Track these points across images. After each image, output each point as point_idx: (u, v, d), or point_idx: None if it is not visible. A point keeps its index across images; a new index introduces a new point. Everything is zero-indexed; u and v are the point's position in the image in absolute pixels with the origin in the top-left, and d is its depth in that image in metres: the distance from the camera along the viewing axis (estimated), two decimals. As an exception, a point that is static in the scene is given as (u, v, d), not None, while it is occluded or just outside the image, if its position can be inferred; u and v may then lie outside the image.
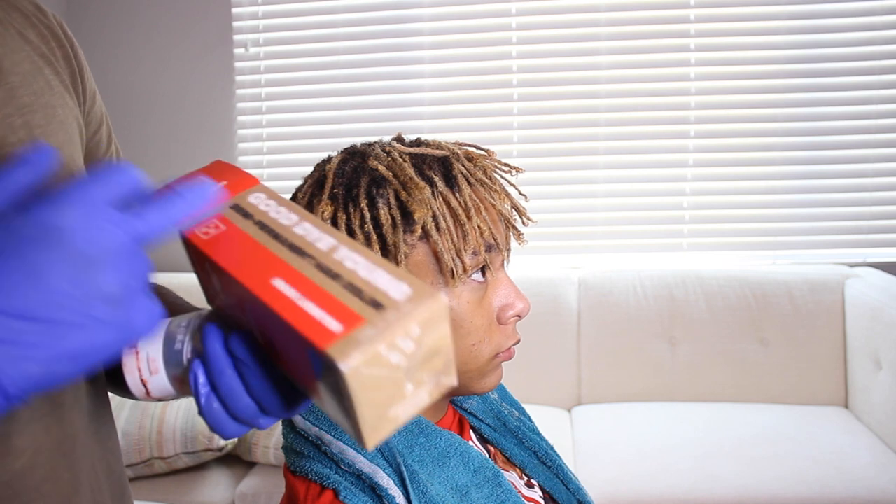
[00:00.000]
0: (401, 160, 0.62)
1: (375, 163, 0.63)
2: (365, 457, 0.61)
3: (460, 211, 0.61)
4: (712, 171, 2.32)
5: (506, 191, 0.67)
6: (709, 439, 1.87)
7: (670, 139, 2.32)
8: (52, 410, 0.56)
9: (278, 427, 1.87)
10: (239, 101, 2.48)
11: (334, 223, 0.62)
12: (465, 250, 0.61)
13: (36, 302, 0.34)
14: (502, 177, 0.69)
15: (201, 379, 0.44)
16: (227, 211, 0.45)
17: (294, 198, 0.67)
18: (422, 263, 0.62)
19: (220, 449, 1.92)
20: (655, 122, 2.31)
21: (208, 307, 0.50)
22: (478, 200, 0.63)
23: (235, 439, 1.96)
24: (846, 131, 2.25)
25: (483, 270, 0.64)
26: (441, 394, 0.38)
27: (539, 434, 0.82)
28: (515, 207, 0.68)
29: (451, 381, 0.38)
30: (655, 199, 2.35)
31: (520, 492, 0.72)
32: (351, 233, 0.61)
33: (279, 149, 2.50)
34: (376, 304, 0.35)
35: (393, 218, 0.60)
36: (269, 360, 0.42)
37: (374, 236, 0.60)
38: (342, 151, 0.67)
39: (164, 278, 2.19)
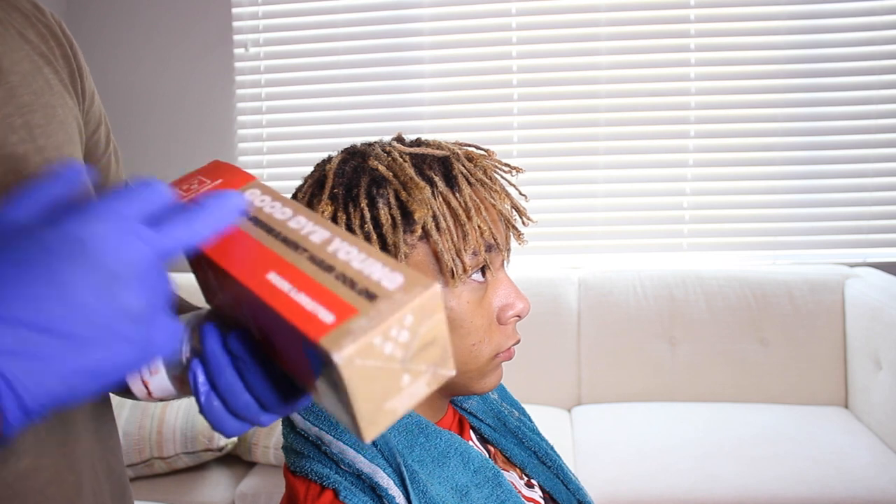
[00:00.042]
0: (401, 160, 0.62)
1: (375, 163, 0.63)
2: (365, 457, 0.61)
3: (460, 211, 0.61)
4: (712, 171, 2.32)
5: (506, 191, 0.67)
6: (709, 439, 1.87)
7: (670, 139, 2.32)
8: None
9: (278, 427, 1.87)
10: (239, 101, 2.48)
11: (334, 223, 0.62)
12: (465, 250, 0.61)
13: (59, 315, 0.33)
14: (502, 177, 0.69)
15: (201, 378, 0.44)
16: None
17: (294, 198, 0.67)
18: (422, 263, 0.62)
19: (220, 449, 1.92)
20: (655, 122, 2.31)
21: (207, 307, 0.51)
22: (478, 200, 0.63)
23: (235, 439, 1.96)
24: (846, 131, 2.25)
25: (483, 270, 0.64)
26: (439, 384, 0.38)
27: (539, 434, 0.82)
28: (515, 207, 0.68)
29: (449, 371, 0.38)
30: (655, 199, 2.35)
31: (520, 492, 0.72)
32: (351, 232, 0.61)
33: (279, 149, 2.50)
34: (369, 295, 0.35)
35: (393, 218, 0.60)
36: (267, 358, 0.42)
37: (374, 236, 0.60)
38: (342, 151, 0.67)
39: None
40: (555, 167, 2.36)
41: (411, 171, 0.61)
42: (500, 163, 0.69)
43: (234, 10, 2.43)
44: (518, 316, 0.66)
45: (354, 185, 0.62)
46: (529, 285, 2.18)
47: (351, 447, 0.62)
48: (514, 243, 0.69)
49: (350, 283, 0.36)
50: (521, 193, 0.71)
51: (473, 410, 0.78)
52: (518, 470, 0.77)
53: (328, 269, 0.38)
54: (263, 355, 0.42)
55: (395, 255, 0.60)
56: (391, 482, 0.60)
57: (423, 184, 0.61)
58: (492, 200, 0.64)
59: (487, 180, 0.65)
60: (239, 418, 0.44)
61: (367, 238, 0.60)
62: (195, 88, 2.49)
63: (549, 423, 2.05)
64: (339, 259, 0.38)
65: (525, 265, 2.34)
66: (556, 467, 0.79)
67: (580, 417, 2.11)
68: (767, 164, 2.30)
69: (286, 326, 0.36)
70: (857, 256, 2.30)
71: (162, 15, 2.47)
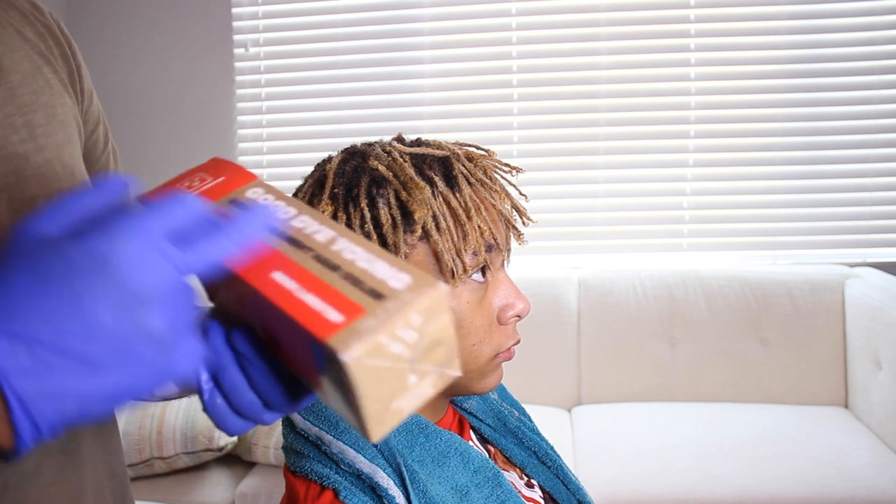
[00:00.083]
0: (401, 160, 0.62)
1: (376, 163, 0.63)
2: (365, 457, 0.61)
3: (460, 211, 0.61)
4: (712, 171, 2.32)
5: (506, 191, 0.67)
6: (709, 439, 1.87)
7: (670, 139, 2.32)
8: None
9: (278, 427, 1.87)
10: (239, 101, 2.48)
11: (334, 223, 0.62)
12: (466, 250, 0.61)
13: (77, 335, 0.32)
14: (502, 177, 0.69)
15: (204, 375, 0.44)
16: (225, 206, 0.45)
17: (294, 198, 0.67)
18: (422, 263, 0.62)
19: (220, 449, 1.92)
20: (655, 122, 2.31)
21: (209, 304, 0.50)
22: (478, 200, 0.63)
23: (235, 439, 1.96)
24: (846, 131, 2.25)
25: (483, 270, 0.64)
26: (445, 385, 0.38)
27: (539, 434, 0.82)
28: (515, 207, 0.68)
29: (455, 371, 0.38)
30: (655, 199, 2.35)
31: (520, 492, 0.72)
32: None
33: (279, 149, 2.50)
34: (376, 294, 0.35)
35: (393, 218, 0.60)
36: (271, 355, 0.42)
37: (375, 236, 0.60)
38: (342, 151, 0.67)
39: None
40: (555, 167, 2.36)
41: (411, 171, 0.61)
42: (501, 163, 0.69)
43: (234, 10, 2.43)
44: (518, 316, 0.66)
45: (354, 185, 0.62)
46: (529, 285, 2.18)
47: (351, 447, 0.62)
48: (514, 243, 0.69)
49: (357, 282, 0.36)
50: (521, 193, 0.71)
51: (473, 410, 0.78)
52: (518, 470, 0.77)
53: (334, 268, 0.38)
54: (268, 353, 0.42)
55: (395, 255, 0.60)
56: (391, 482, 0.60)
57: (423, 184, 0.61)
58: (492, 200, 0.64)
59: (487, 180, 0.65)
60: (242, 416, 0.44)
61: (367, 238, 0.60)
62: (195, 88, 2.49)
63: (549, 423, 2.05)
64: (345, 258, 0.38)
65: (525, 265, 2.34)
66: (556, 467, 0.79)
67: (580, 417, 2.11)
68: (767, 164, 2.30)
69: (293, 326, 0.36)
70: (857, 256, 2.30)
71: (162, 15, 2.47)
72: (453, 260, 0.61)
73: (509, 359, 0.67)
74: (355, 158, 0.64)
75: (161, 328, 0.34)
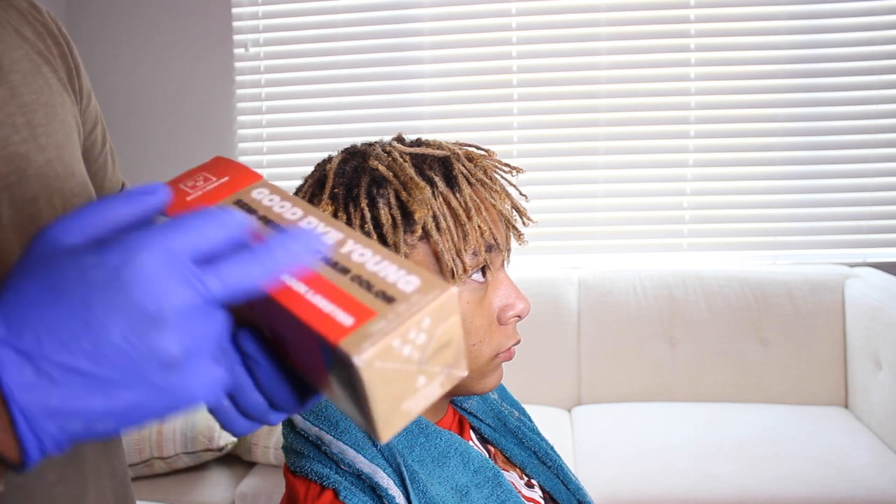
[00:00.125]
0: (401, 160, 0.62)
1: (376, 163, 0.63)
2: (365, 457, 0.61)
3: (461, 211, 0.61)
4: (712, 171, 2.32)
5: (506, 191, 0.67)
6: (709, 439, 1.87)
7: (670, 139, 2.32)
8: None
9: (278, 427, 1.87)
10: (239, 101, 2.48)
11: (334, 223, 0.62)
12: (466, 250, 0.61)
13: (85, 353, 0.31)
14: (503, 177, 0.69)
15: None
16: (229, 206, 0.44)
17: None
18: (422, 264, 0.62)
19: (220, 449, 1.92)
20: (655, 122, 2.31)
21: None
22: (478, 201, 0.63)
23: (235, 439, 1.96)
24: (846, 131, 2.25)
25: (483, 271, 0.64)
26: (453, 385, 0.38)
27: (539, 434, 0.82)
28: (516, 208, 0.68)
29: (463, 372, 0.38)
30: (655, 199, 2.35)
31: (520, 492, 0.72)
32: None
33: (279, 149, 2.50)
34: (386, 297, 0.35)
35: (393, 218, 0.60)
36: (277, 356, 0.42)
37: (375, 236, 0.60)
38: (342, 151, 0.67)
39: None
40: (555, 167, 2.36)
41: (411, 172, 0.61)
42: (501, 163, 0.69)
43: (234, 10, 2.43)
44: (518, 316, 0.66)
45: (355, 185, 0.62)
46: (529, 285, 2.18)
47: (351, 447, 0.62)
48: (514, 243, 0.69)
49: (366, 285, 0.36)
50: (521, 193, 0.71)
51: (473, 410, 0.78)
52: (518, 470, 0.77)
53: (343, 270, 0.38)
54: (274, 354, 0.42)
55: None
56: (391, 482, 0.60)
57: (423, 184, 0.61)
58: (492, 200, 0.64)
59: (488, 180, 0.65)
60: (248, 417, 0.44)
61: (367, 238, 0.60)
62: (195, 88, 2.49)
63: (549, 423, 2.05)
64: (354, 261, 0.38)
65: (525, 265, 2.34)
66: (556, 467, 0.79)
67: (580, 417, 2.11)
68: (767, 164, 2.30)
69: (302, 328, 0.36)
70: (857, 256, 2.30)
71: (162, 15, 2.47)
72: (453, 260, 0.61)
73: (509, 359, 0.67)
74: (355, 158, 0.64)
75: (174, 352, 0.32)
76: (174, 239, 0.33)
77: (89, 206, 0.36)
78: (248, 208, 0.44)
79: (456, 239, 0.61)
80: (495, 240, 0.63)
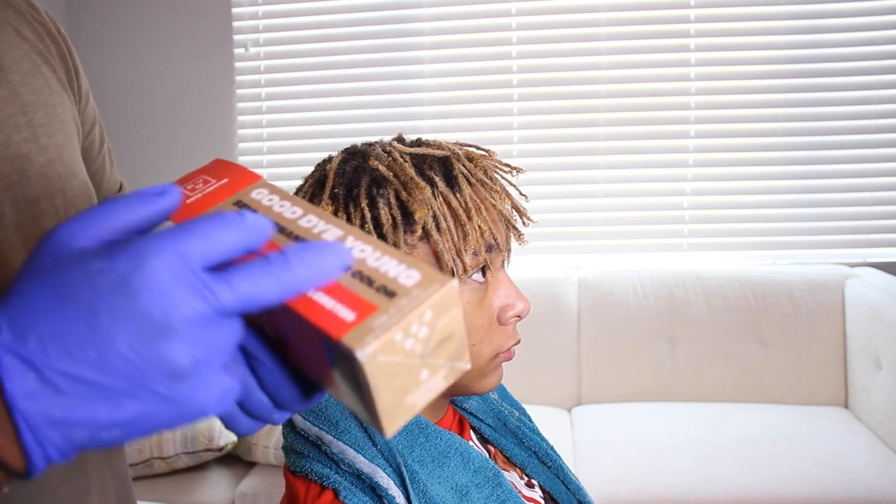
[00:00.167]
0: (401, 160, 0.62)
1: (376, 163, 0.63)
2: (365, 457, 0.61)
3: (461, 211, 0.61)
4: (712, 171, 2.32)
5: (506, 191, 0.67)
6: (709, 439, 1.87)
7: (670, 139, 2.32)
8: None
9: (278, 427, 1.87)
10: (239, 101, 2.48)
11: (335, 223, 0.62)
12: (466, 250, 0.61)
13: (91, 362, 0.30)
14: (503, 177, 0.69)
15: None
16: (229, 208, 0.45)
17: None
18: (422, 264, 0.62)
19: (220, 449, 1.92)
20: (655, 122, 2.31)
21: None
22: (478, 201, 0.63)
23: (235, 439, 1.96)
24: (846, 131, 2.25)
25: (483, 271, 0.64)
26: (456, 378, 0.38)
27: (539, 434, 0.82)
28: (516, 208, 0.68)
29: (466, 365, 0.38)
30: (655, 199, 2.35)
31: (520, 492, 0.72)
32: None
33: (279, 149, 2.50)
34: (388, 292, 0.35)
35: (393, 218, 0.60)
36: (280, 354, 0.42)
37: (375, 236, 0.60)
38: (343, 151, 0.67)
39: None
40: (555, 167, 2.36)
41: (412, 172, 0.61)
42: (501, 163, 0.69)
43: (234, 10, 2.43)
44: (518, 316, 0.66)
45: (355, 185, 0.62)
46: (529, 285, 2.18)
47: (351, 447, 0.62)
48: (514, 243, 0.69)
49: (367, 280, 0.36)
50: (521, 193, 0.71)
51: (474, 410, 0.78)
52: (518, 470, 0.77)
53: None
54: (277, 352, 0.42)
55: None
56: (391, 482, 0.60)
57: (423, 184, 0.61)
58: (492, 201, 0.64)
59: (488, 180, 0.65)
60: (252, 417, 0.44)
61: (367, 238, 0.60)
62: (195, 88, 2.49)
63: (549, 423, 2.05)
64: (355, 257, 0.38)
65: (525, 265, 2.34)
66: (556, 467, 0.79)
67: (580, 417, 2.11)
68: (767, 164, 2.30)
69: (304, 325, 0.36)
70: (857, 256, 2.30)
71: (162, 15, 2.47)
72: (453, 260, 0.61)
73: (509, 359, 0.67)
74: (356, 158, 0.64)
75: (183, 363, 0.31)
76: (186, 244, 0.31)
77: (98, 207, 0.34)
78: (248, 209, 0.44)
79: (456, 239, 0.61)
80: (495, 240, 0.63)
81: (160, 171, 2.48)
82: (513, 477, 0.75)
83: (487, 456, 0.70)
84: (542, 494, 0.77)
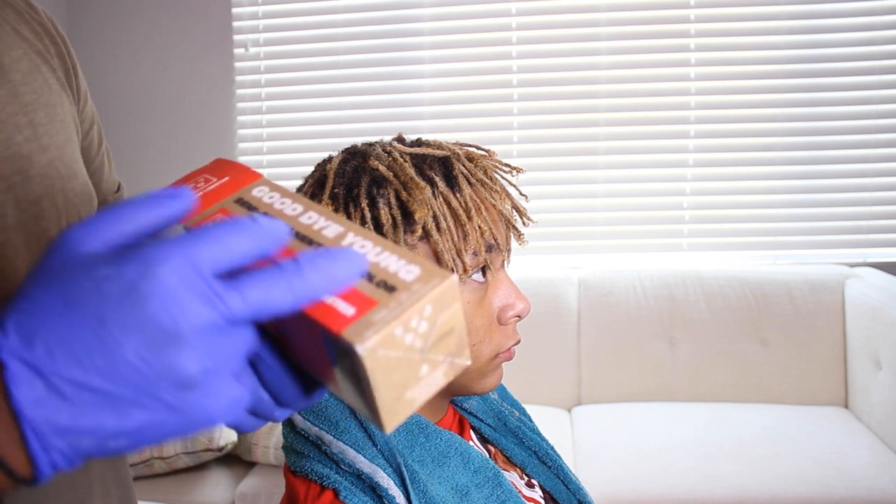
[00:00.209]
0: (401, 160, 0.62)
1: (376, 163, 0.63)
2: (365, 457, 0.61)
3: (461, 211, 0.61)
4: (712, 171, 2.32)
5: (506, 191, 0.67)
6: (709, 439, 1.87)
7: (670, 139, 2.32)
8: None
9: (278, 427, 1.87)
10: (239, 101, 2.48)
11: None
12: (466, 250, 0.61)
13: (98, 370, 0.29)
14: (503, 177, 0.69)
15: None
16: (231, 205, 0.45)
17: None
18: (422, 263, 0.62)
19: (220, 449, 1.92)
20: (655, 122, 2.31)
21: None
22: (478, 201, 0.63)
23: (235, 439, 1.96)
24: (846, 131, 2.25)
25: (483, 271, 0.64)
26: (456, 374, 0.38)
27: (539, 434, 0.82)
28: (516, 208, 0.68)
29: (466, 360, 0.38)
30: (655, 199, 2.35)
31: (520, 492, 0.72)
32: None
33: (279, 149, 2.50)
34: (388, 287, 0.36)
35: (393, 218, 0.60)
36: (281, 352, 0.42)
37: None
38: (343, 151, 0.67)
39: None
40: (555, 167, 2.36)
41: (412, 172, 0.61)
42: (501, 163, 0.69)
43: (234, 10, 2.43)
44: (518, 316, 0.66)
45: (355, 185, 0.62)
46: (529, 285, 2.18)
47: (351, 447, 0.62)
48: (514, 243, 0.69)
49: (367, 275, 0.36)
50: (521, 193, 0.71)
51: (474, 410, 0.78)
52: (518, 470, 0.77)
53: None
54: (278, 350, 0.42)
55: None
56: (391, 482, 0.60)
57: (423, 184, 0.61)
58: (492, 201, 0.64)
59: (488, 180, 0.65)
60: (254, 415, 0.44)
61: (367, 237, 0.60)
62: (195, 88, 2.49)
63: (549, 423, 2.05)
64: None
65: (525, 265, 2.34)
66: (556, 467, 0.79)
67: (580, 417, 2.11)
68: (767, 164, 2.30)
69: (305, 320, 0.36)
70: (857, 256, 2.30)
71: (162, 15, 2.47)
72: (454, 260, 0.61)
73: (509, 359, 0.67)
74: (356, 158, 0.64)
75: (191, 371, 0.30)
76: (196, 251, 0.31)
77: (109, 210, 0.34)
78: (249, 206, 0.44)
79: (456, 239, 0.61)
80: (495, 240, 0.63)
81: (160, 171, 2.48)
82: (513, 477, 0.75)
83: (488, 456, 0.70)
84: (542, 494, 0.77)
